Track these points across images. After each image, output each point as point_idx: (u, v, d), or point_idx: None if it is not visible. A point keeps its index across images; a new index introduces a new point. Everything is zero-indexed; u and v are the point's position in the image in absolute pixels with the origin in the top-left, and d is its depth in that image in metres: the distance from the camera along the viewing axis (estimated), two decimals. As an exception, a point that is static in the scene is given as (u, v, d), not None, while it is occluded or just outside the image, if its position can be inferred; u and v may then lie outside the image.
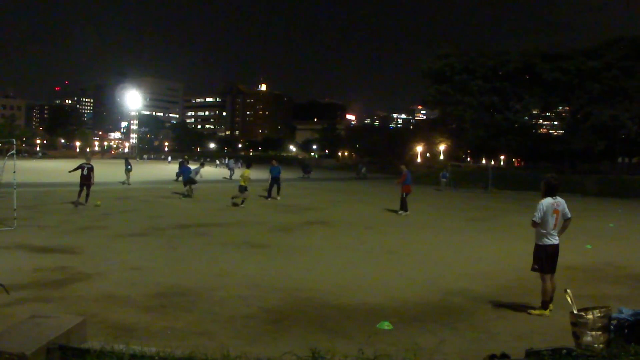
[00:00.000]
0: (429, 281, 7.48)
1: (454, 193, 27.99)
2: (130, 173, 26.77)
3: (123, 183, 26.03)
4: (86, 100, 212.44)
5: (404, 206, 16.40)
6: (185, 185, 20.23)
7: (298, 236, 11.61)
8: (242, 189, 17.25)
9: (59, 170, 40.72)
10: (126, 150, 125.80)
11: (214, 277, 7.39)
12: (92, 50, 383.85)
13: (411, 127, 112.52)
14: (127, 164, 27.52)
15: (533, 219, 5.96)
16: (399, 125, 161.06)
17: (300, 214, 15.85)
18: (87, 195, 16.01)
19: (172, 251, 9.38)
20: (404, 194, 16.51)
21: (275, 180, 20.23)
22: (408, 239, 11.75)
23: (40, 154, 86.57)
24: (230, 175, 35.74)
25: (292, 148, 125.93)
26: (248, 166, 19.11)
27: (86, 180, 15.82)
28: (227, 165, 37.11)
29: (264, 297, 6.39)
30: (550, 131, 61.96)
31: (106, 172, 34.43)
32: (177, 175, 30.11)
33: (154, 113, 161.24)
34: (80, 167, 16.02)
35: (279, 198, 19.98)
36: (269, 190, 20.00)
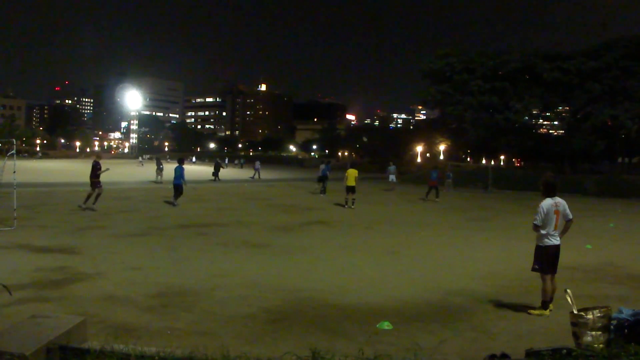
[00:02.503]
0: (429, 281, 7.48)
1: (454, 193, 27.96)
2: (162, 172, 28.41)
3: (155, 182, 27.48)
4: (86, 100, 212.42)
5: (431, 194, 21.40)
6: (176, 192, 16.90)
7: (298, 236, 11.60)
8: (351, 189, 17.69)
9: (59, 170, 40.77)
10: (126, 150, 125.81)
11: (214, 277, 7.39)
12: (92, 50, 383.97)
13: (411, 127, 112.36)
14: (159, 164, 29.19)
15: (534, 222, 5.94)
16: (399, 125, 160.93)
17: (300, 214, 15.85)
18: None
19: (172, 251, 9.37)
20: (430, 187, 21.62)
21: (324, 178, 23.41)
22: (408, 238, 11.75)
23: (40, 154, 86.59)
24: (254, 176, 37.75)
25: (292, 148, 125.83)
26: (352, 166, 19.97)
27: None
28: (254, 166, 39.91)
29: (264, 297, 6.38)
30: (550, 131, 61.88)
31: (130, 172, 36.22)
32: (214, 175, 31.82)
33: (154, 113, 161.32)
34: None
35: (322, 195, 22.55)
36: (324, 187, 23.43)
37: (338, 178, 24.63)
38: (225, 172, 41.41)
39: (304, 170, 59.19)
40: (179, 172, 16.81)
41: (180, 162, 17.42)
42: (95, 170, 14.79)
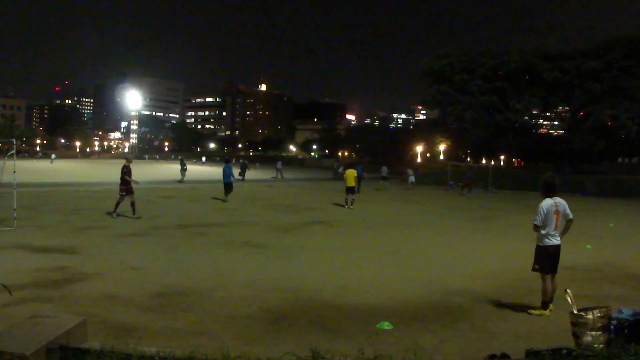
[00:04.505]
0: (429, 281, 7.48)
1: (453, 193, 27.97)
2: (186, 172, 29.54)
3: (179, 181, 28.58)
4: (86, 100, 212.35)
5: (465, 188, 26.99)
6: (227, 189, 18.87)
7: (298, 236, 11.60)
8: (351, 190, 18.01)
9: (58, 170, 40.78)
10: (126, 150, 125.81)
11: (214, 277, 7.38)
12: (92, 50, 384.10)
13: (411, 127, 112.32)
14: (183, 164, 30.21)
15: (534, 222, 5.94)
16: (399, 125, 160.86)
17: (300, 214, 15.84)
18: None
19: (172, 251, 9.37)
20: (464, 184, 27.36)
21: (359, 179, 23.35)
22: (408, 238, 11.75)
23: (40, 154, 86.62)
24: (277, 175, 38.67)
25: (292, 148, 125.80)
26: (350, 166, 20.47)
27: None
28: (276, 167, 40.92)
29: (264, 297, 6.38)
30: (550, 131, 61.95)
31: (154, 171, 38.64)
32: (240, 174, 32.51)
33: (154, 113, 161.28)
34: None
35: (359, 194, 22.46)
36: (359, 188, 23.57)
37: (319, 178, 24.65)
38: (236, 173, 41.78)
39: (304, 170, 59.24)
40: (228, 171, 18.86)
41: (227, 162, 20.10)
42: (127, 176, 13.60)
